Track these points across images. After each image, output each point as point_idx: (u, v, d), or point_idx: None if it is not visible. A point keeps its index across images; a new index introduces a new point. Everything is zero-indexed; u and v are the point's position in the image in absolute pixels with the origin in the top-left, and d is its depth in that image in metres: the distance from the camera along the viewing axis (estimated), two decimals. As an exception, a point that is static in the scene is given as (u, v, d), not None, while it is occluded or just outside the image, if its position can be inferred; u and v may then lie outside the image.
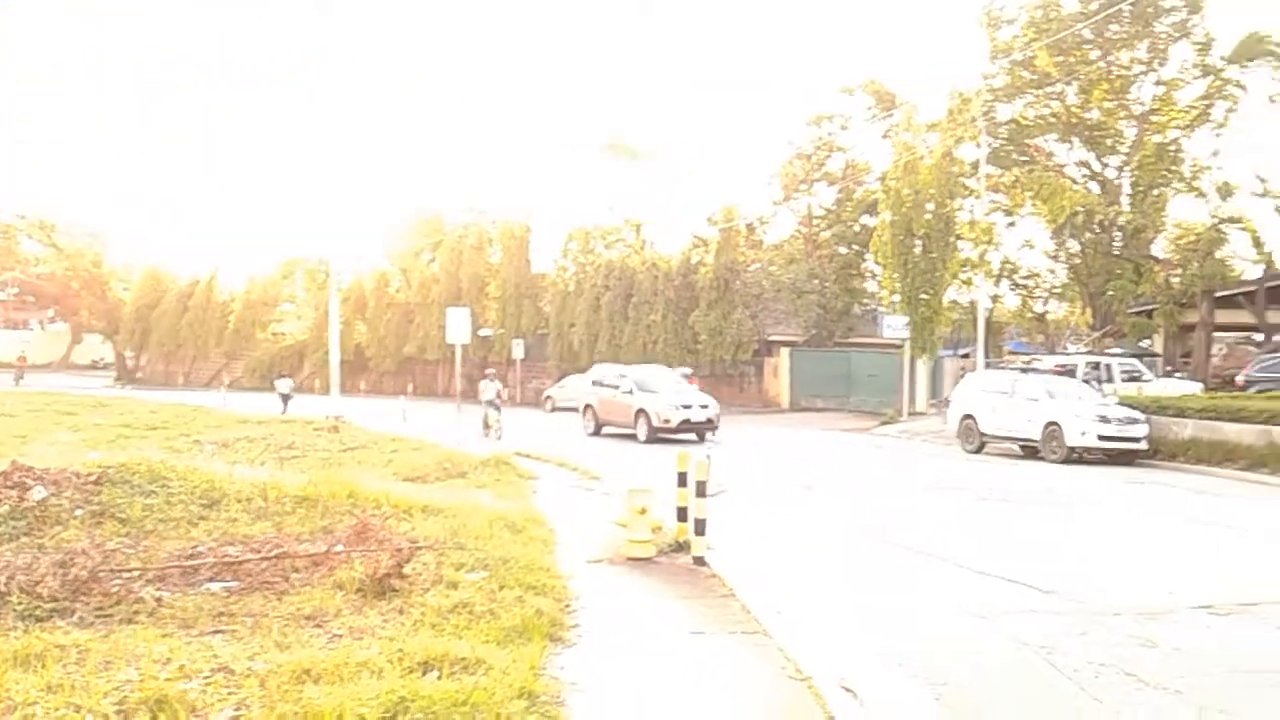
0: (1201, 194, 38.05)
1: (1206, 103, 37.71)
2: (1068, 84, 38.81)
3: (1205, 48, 37.30)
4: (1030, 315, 44.73)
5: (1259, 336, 36.39)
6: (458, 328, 25.00)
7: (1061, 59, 37.72)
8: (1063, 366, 29.69)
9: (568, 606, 8.20)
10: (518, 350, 45.44)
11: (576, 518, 12.77)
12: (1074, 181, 39.36)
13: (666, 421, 25.81)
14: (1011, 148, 40.06)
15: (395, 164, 70.21)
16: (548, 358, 46.90)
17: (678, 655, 7.24)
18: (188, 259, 64.07)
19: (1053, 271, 43.09)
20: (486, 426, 27.49)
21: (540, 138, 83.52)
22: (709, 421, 26.35)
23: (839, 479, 19.38)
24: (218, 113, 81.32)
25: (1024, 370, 27.93)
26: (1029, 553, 11.82)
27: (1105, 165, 40.10)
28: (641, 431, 26.28)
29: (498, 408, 28.05)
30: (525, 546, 10.01)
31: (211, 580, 7.99)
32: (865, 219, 44.24)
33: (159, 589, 7.57)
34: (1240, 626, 8.37)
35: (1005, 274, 41.52)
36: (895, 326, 34.06)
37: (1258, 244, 37.02)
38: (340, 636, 6.71)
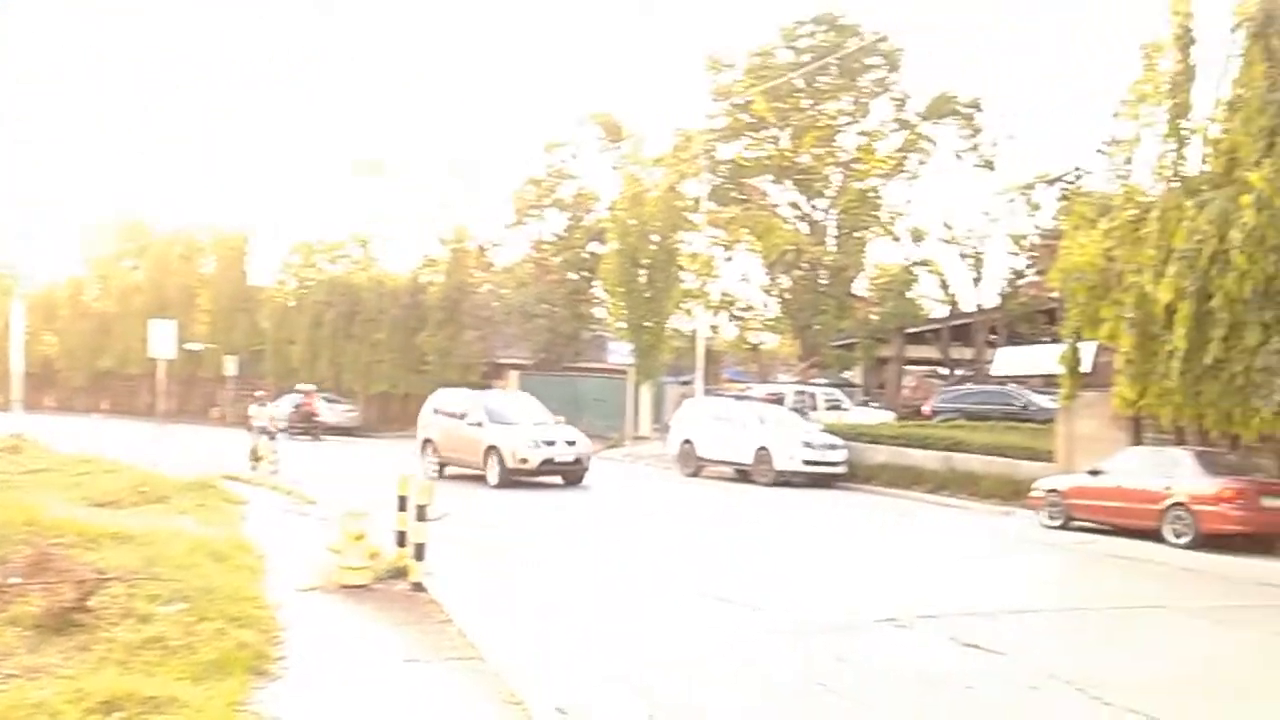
0: (896, 238, 41.56)
1: (903, 154, 41.29)
2: (782, 129, 41.40)
3: (902, 104, 40.90)
4: (746, 345, 47.11)
5: (944, 370, 40.15)
6: (161, 341, 23.40)
7: (777, 105, 40.18)
8: (773, 395, 31.49)
9: (274, 638, 7.78)
10: (230, 367, 42.95)
11: (289, 544, 12.17)
12: (786, 221, 41.98)
13: (524, 462, 21.14)
14: (731, 186, 42.15)
15: (98, 163, 64.89)
16: (264, 375, 44.62)
17: (390, 685, 7.04)
18: None
19: (766, 305, 45.62)
20: (256, 459, 22.65)
21: (270, 148, 79.98)
22: (577, 462, 21.98)
23: (564, 503, 19.58)
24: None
25: (738, 398, 29.38)
26: (740, 572, 12.38)
27: (814, 207, 43.00)
28: (493, 474, 21.39)
29: (272, 435, 23.33)
30: (230, 575, 9.42)
31: None
32: (594, 246, 45.16)
33: None
34: (921, 637, 9.10)
35: (724, 305, 43.55)
36: (621, 352, 34.93)
37: (944, 286, 40.85)
38: (14, 677, 6.08)
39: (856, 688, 7.36)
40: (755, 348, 47.80)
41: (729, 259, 42.96)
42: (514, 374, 42.54)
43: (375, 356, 42.07)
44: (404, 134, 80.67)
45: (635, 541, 14.97)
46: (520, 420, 22.38)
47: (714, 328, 44.06)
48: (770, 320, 46.04)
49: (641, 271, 34.81)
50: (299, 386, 39.10)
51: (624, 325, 35.36)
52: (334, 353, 42.75)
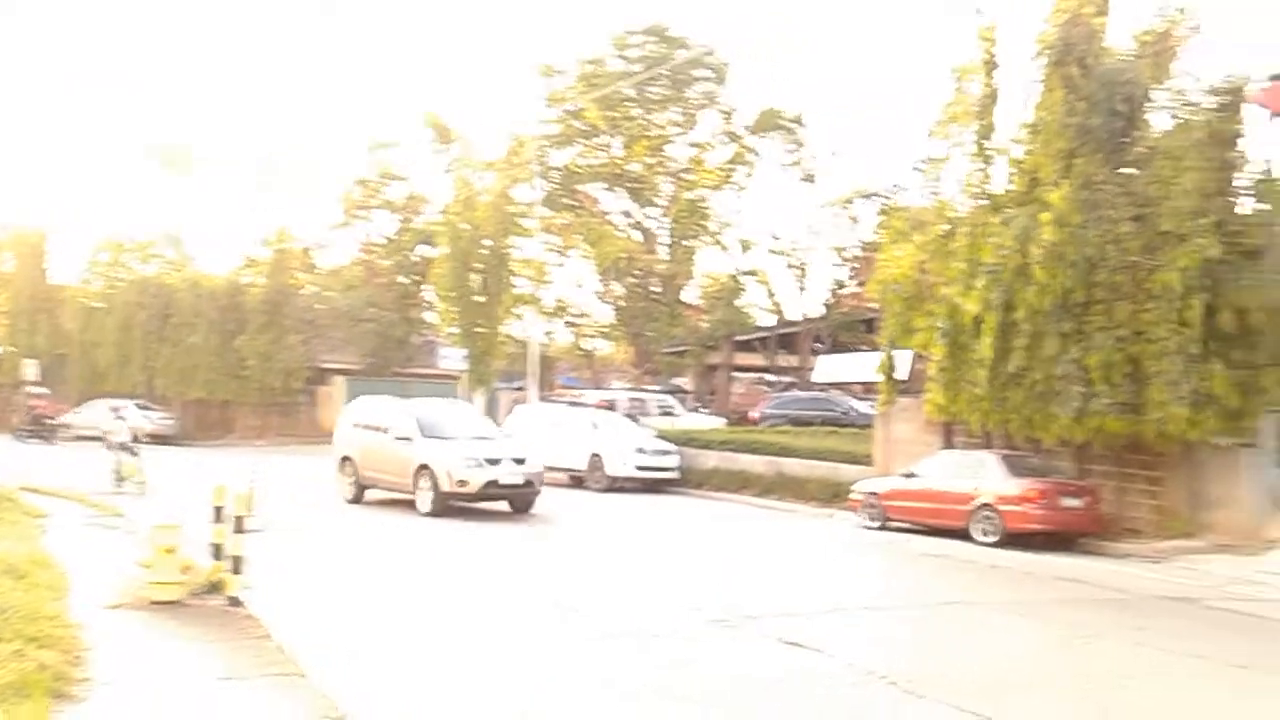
0: (725, 248, 42.56)
1: (731, 166, 42.29)
2: (614, 137, 41.79)
3: (729, 116, 41.92)
4: (580, 351, 47.29)
5: (772, 377, 41.33)
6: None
7: (608, 114, 40.52)
8: (606, 401, 31.70)
9: (77, 658, 7.31)
10: (30, 371, 40.14)
11: (95, 559, 11.46)
12: (618, 229, 42.37)
13: (463, 485, 17.76)
14: (563, 192, 42.25)
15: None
16: (67, 380, 41.88)
17: (204, 704, 6.71)
18: None
19: (600, 311, 45.92)
20: (120, 478, 19.82)
21: (77, 140, 75.10)
22: (527, 485, 18.57)
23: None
24: None
25: (572, 404, 29.43)
26: (574, 579, 12.41)
27: (646, 215, 43.55)
28: (424, 498, 17.99)
29: (134, 453, 20.46)
30: (28, 594, 8.79)
31: None
32: (425, 249, 44.43)
33: None
34: (748, 637, 9.30)
35: (558, 311, 43.59)
36: (453, 358, 34.44)
37: (771, 295, 42.12)
38: None
39: (686, 690, 7.47)
40: (589, 354, 48.04)
41: (562, 265, 43.08)
42: (340, 379, 41.39)
43: (191, 361, 40.07)
44: (219, 127, 77.43)
45: (468, 547, 14.78)
46: (459, 434, 18.91)
47: (548, 333, 44.08)
48: (604, 327, 46.36)
49: (474, 276, 34.41)
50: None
51: (456, 330, 34.88)
52: (146, 357, 40.50)
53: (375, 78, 78.75)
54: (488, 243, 34.50)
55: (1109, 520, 16.82)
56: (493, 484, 18.02)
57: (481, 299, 34.52)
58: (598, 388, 41.11)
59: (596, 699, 7.22)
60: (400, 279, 46.27)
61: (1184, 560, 14.98)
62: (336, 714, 6.49)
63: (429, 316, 46.58)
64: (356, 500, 19.60)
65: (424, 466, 18.08)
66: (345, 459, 20.11)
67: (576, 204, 42.03)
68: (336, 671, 7.46)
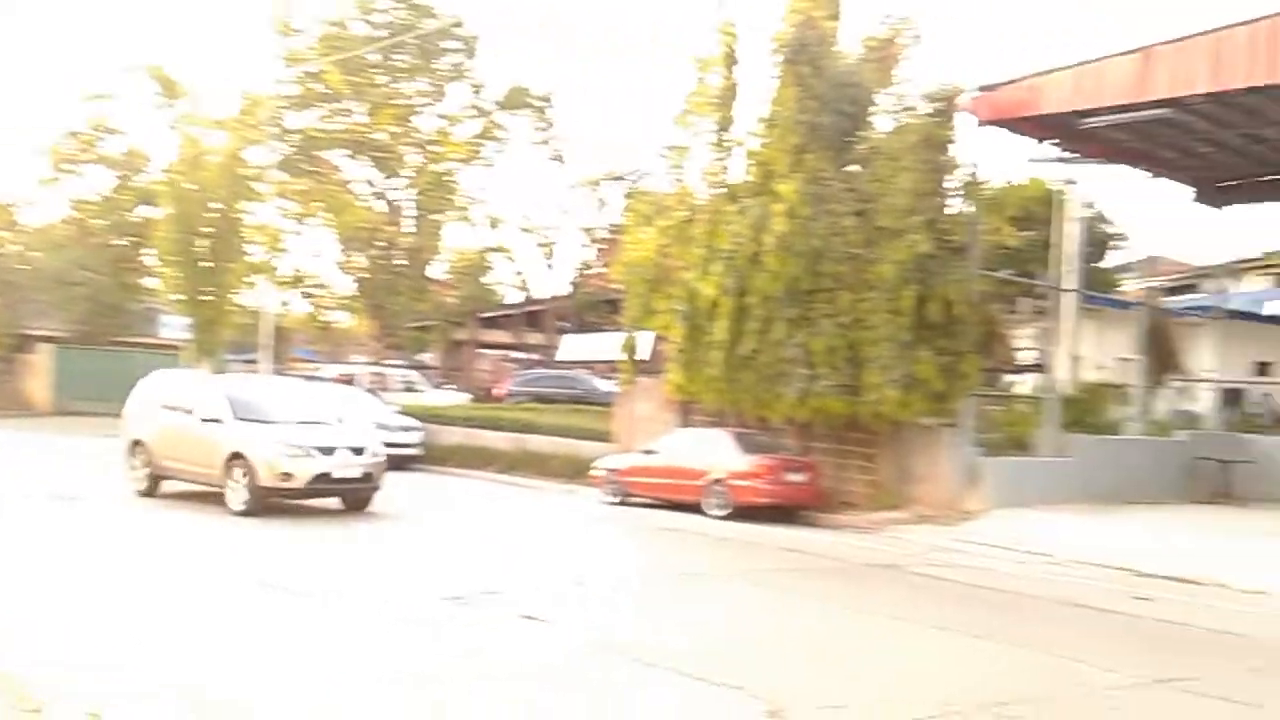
0: (473, 223, 42.16)
1: (480, 141, 41.84)
2: (357, 104, 40.36)
3: (479, 91, 41.43)
4: (319, 324, 45.54)
5: (518, 355, 41.43)
6: None
7: (352, 79, 39.07)
8: (345, 375, 30.78)
9: None
10: None
11: None
12: (361, 198, 41.04)
13: (286, 478, 15.22)
14: (302, 158, 40.40)
15: None
16: None
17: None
18: None
19: (341, 283, 44.38)
20: None
21: None
22: (366, 478, 16.04)
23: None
24: None
25: (309, 378, 28.33)
26: (309, 560, 12.02)
27: (391, 187, 42.40)
28: (237, 494, 15.36)
29: None
30: None
31: None
32: (146, 210, 41.38)
33: None
34: (486, 614, 9.31)
35: (295, 281, 41.82)
36: (176, 327, 32.34)
37: (519, 273, 42.18)
38: None
39: (416, 668, 7.39)
40: (327, 326, 46.36)
41: (300, 233, 41.30)
42: (48, 347, 38.07)
43: None
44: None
45: (186, 527, 14.00)
46: (282, 417, 16.20)
47: (284, 304, 42.28)
48: (345, 299, 44.83)
49: (200, 240, 32.38)
50: None
51: (180, 297, 32.75)
52: None
53: (96, 25, 72.30)
54: (217, 205, 32.56)
55: (828, 494, 18.02)
56: (323, 477, 15.45)
57: (209, 265, 32.57)
58: (337, 362, 39.82)
59: (308, 685, 7.00)
60: (116, 241, 42.95)
61: (892, 530, 16.30)
62: (34, 706, 6.01)
63: (150, 282, 43.56)
64: (149, 493, 16.95)
65: (237, 455, 15.36)
66: (136, 443, 17.24)
67: (316, 170, 40.31)
68: (29, 658, 6.88)
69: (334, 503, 16.40)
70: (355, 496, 16.25)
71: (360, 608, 9.45)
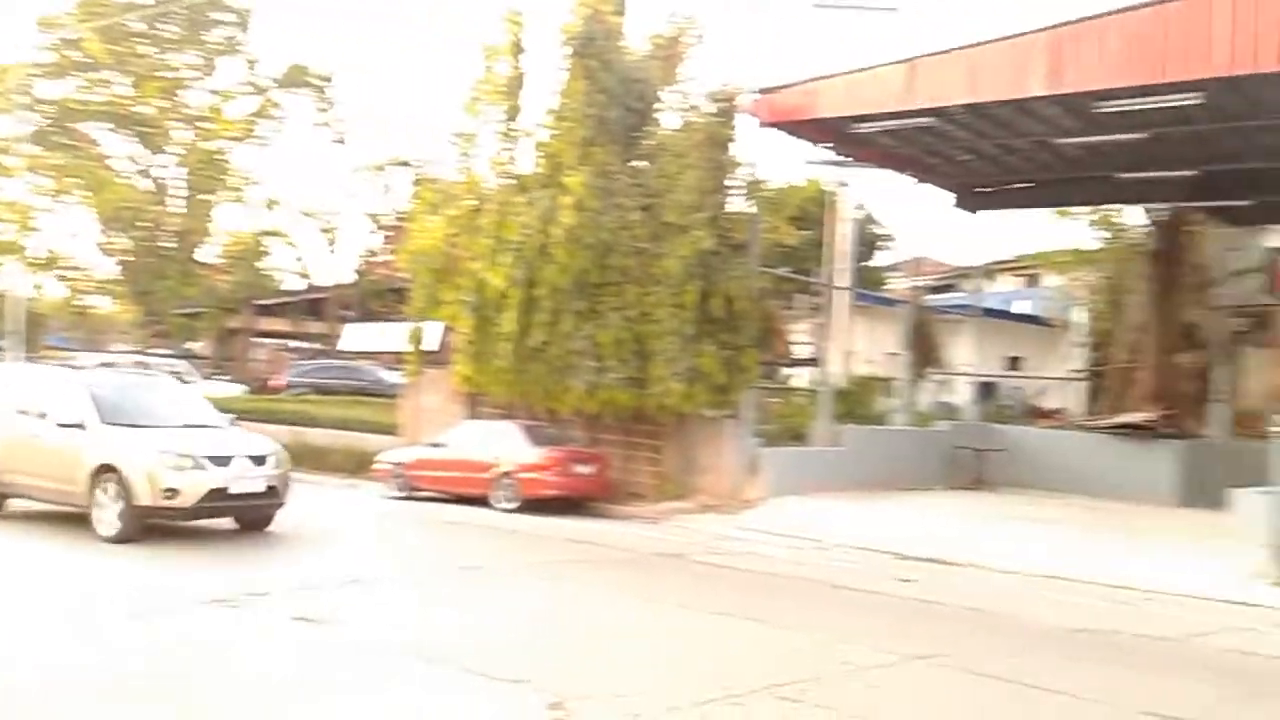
0: (248, 205, 40.22)
1: (255, 119, 39.93)
2: (119, 75, 37.72)
3: (253, 66, 39.54)
4: (75, 309, 42.36)
5: (298, 344, 39.80)
6: None
7: (113, 48, 36.51)
8: (106, 364, 28.68)
9: None
10: None
11: None
12: (123, 175, 38.42)
13: (171, 495, 12.23)
14: (57, 130, 37.46)
15: None
16: None
17: None
18: None
19: (101, 265, 41.44)
20: None
21: None
22: (269, 492, 13.21)
23: None
24: None
25: (64, 367, 26.18)
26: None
27: (158, 164, 39.88)
28: (107, 516, 12.32)
29: None
30: None
31: None
32: None
33: None
34: (256, 617, 8.86)
35: (49, 263, 38.80)
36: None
37: (298, 259, 40.50)
38: None
39: (159, 686, 6.96)
40: (85, 312, 43.16)
41: (55, 211, 38.28)
42: None
43: None
44: None
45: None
46: (163, 420, 13.32)
47: (36, 287, 39.21)
48: (105, 282, 41.88)
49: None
50: None
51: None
52: None
53: None
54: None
55: (616, 485, 18.23)
56: (218, 493, 12.57)
57: (-53, 245, 29.78)
58: (95, 350, 37.09)
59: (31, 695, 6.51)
60: None
61: (677, 520, 16.66)
62: None
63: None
64: None
65: (106, 468, 12.36)
66: None
67: (73, 144, 37.41)
68: None
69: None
70: (254, 514, 13.54)
71: (101, 613, 8.80)
